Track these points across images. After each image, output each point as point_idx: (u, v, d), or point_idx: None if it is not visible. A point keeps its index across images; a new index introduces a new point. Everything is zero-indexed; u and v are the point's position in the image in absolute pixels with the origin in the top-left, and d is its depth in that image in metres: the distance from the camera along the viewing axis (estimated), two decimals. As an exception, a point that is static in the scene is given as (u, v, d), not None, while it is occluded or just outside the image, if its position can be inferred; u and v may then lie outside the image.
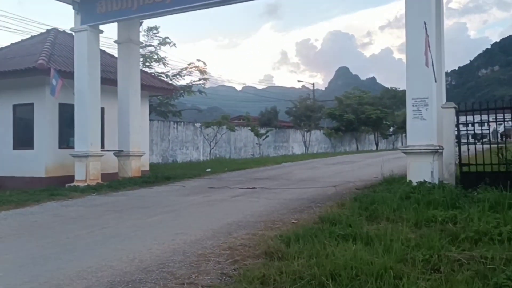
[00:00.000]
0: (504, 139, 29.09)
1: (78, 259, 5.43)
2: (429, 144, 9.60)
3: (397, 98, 47.23)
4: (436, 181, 9.48)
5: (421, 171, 9.61)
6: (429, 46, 9.25)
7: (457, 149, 10.11)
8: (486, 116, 9.97)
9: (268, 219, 7.64)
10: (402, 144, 61.79)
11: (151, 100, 20.36)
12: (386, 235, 5.42)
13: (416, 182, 9.47)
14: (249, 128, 30.87)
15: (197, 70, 22.91)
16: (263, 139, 32.06)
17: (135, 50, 16.46)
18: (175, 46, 22.86)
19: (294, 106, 40.73)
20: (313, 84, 55.11)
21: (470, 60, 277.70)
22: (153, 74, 21.36)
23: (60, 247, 6.12)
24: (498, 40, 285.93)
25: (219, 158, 27.94)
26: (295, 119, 39.60)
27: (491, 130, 12.50)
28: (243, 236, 6.29)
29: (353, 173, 16.56)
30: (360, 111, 44.40)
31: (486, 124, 10.16)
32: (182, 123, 26.33)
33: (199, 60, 22.56)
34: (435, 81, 9.90)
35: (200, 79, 22.63)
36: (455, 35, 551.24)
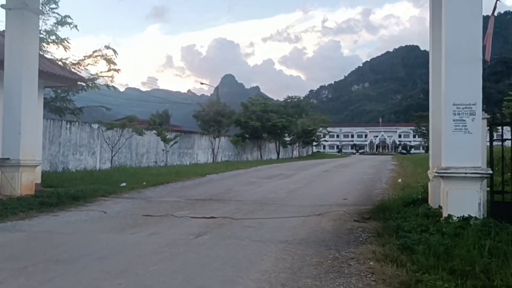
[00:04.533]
0: None
1: None
2: (476, 166, 7.18)
3: (300, 107, 46.42)
4: (482, 216, 7.11)
5: (464, 202, 7.12)
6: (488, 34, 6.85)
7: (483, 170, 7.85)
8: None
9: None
10: (298, 154, 62.04)
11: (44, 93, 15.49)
12: None
13: (457, 218, 7.02)
14: (155, 132, 26.72)
15: (104, 59, 18.28)
16: (171, 145, 28.13)
17: (33, 20, 11.78)
18: (77, 29, 18.00)
19: (202, 110, 37.16)
20: (217, 87, 51.96)
21: (344, 76, 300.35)
22: (52, 60, 16.42)
23: None
24: (368, 60, 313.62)
25: (120, 166, 23.42)
26: (203, 124, 36.14)
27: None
28: None
29: (309, 191, 13.92)
30: (265, 119, 42.48)
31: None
32: (77, 123, 21.35)
33: (107, 47, 17.99)
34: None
35: (109, 70, 17.98)
36: (331, 52, 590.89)
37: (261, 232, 7.74)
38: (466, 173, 7.12)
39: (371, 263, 5.68)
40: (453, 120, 7.29)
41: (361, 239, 7.16)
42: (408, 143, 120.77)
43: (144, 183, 15.09)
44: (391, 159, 48.71)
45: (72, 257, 6.05)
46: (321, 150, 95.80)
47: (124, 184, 14.46)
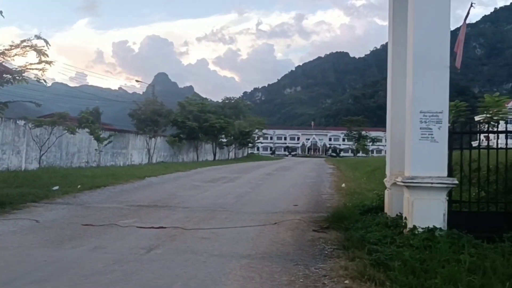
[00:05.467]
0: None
1: None
2: (441, 176, 7.05)
3: (238, 109, 45.98)
4: (446, 227, 7.00)
5: (430, 213, 6.93)
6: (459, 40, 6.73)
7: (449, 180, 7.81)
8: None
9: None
10: (234, 156, 61.63)
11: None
12: None
13: (423, 229, 6.86)
14: (88, 130, 25.02)
15: (34, 50, 16.46)
16: (105, 145, 26.51)
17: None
18: (2, 16, 16.10)
19: (138, 108, 35.46)
20: (153, 86, 50.14)
21: (277, 79, 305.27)
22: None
23: None
24: (300, 64, 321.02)
25: (49, 166, 21.59)
26: (139, 123, 34.51)
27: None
28: None
29: (258, 196, 13.46)
30: (202, 119, 41.54)
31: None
32: (0, 119, 19.37)
33: (38, 37, 16.19)
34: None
35: (40, 62, 16.14)
36: (265, 55, 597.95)
37: (218, 245, 7.14)
38: (432, 183, 6.96)
39: (346, 281, 5.31)
40: (420, 128, 7.10)
41: (326, 252, 6.78)
42: (338, 146, 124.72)
43: (79, 186, 13.87)
44: (324, 162, 49.74)
45: (0, 281, 5.13)
46: (255, 151, 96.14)
47: (56, 187, 13.17)
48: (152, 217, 9.48)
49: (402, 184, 7.20)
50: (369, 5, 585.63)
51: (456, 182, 7.03)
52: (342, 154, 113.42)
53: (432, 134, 7.09)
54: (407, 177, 7.17)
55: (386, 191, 9.27)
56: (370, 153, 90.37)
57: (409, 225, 7.08)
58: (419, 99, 7.15)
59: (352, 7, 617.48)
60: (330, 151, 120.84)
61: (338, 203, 12.04)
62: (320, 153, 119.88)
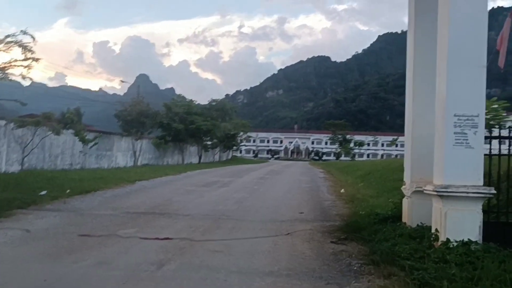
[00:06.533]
0: None
1: None
2: (478, 185, 6.54)
3: (224, 111, 45.22)
4: (481, 241, 6.49)
5: (465, 225, 6.41)
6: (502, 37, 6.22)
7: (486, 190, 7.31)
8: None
9: None
10: (219, 158, 60.75)
11: None
12: None
13: (457, 242, 6.34)
14: (72, 132, 23.98)
15: (20, 46, 15.39)
16: (91, 147, 25.50)
17: None
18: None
19: (124, 109, 34.34)
20: (138, 86, 48.97)
21: (260, 82, 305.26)
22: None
23: None
24: (283, 67, 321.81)
25: (32, 168, 20.54)
26: (125, 124, 33.43)
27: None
28: None
29: (259, 203, 12.81)
30: (189, 121, 40.65)
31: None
32: (-21, 119, 18.32)
33: (24, 33, 15.10)
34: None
35: (26, 59, 15.02)
36: (247, 58, 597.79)
37: (234, 259, 6.48)
38: (468, 192, 6.44)
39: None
40: (454, 133, 6.57)
41: (354, 267, 6.20)
42: (320, 149, 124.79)
43: (68, 190, 13.00)
44: (310, 166, 49.40)
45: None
46: (238, 154, 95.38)
47: (44, 192, 12.29)
48: (153, 226, 8.77)
49: (435, 193, 6.64)
50: (350, 10, 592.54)
51: (494, 191, 6.50)
52: (324, 157, 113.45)
53: (467, 140, 6.56)
54: (440, 185, 6.61)
55: (405, 199, 8.73)
56: (354, 157, 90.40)
57: (442, 238, 6.53)
58: (453, 102, 6.62)
59: (333, 11, 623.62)
60: (312, 155, 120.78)
61: (344, 211, 11.52)
62: (303, 156, 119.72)
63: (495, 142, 7.49)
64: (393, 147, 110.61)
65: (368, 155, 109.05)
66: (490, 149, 7.28)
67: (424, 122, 8.27)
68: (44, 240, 7.30)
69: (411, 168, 8.59)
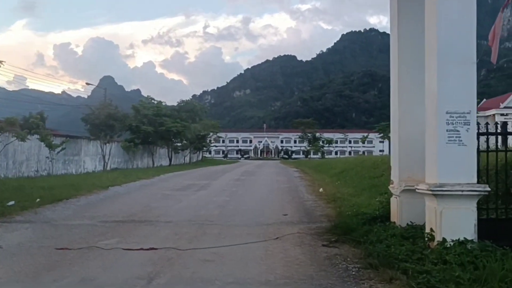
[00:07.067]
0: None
1: None
2: (472, 183, 6.45)
3: (194, 112, 44.57)
4: (477, 239, 6.41)
5: (460, 224, 6.31)
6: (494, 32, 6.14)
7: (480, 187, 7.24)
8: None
9: None
10: (190, 160, 59.97)
11: None
12: None
13: (453, 241, 6.24)
14: (38, 137, 22.99)
15: None
16: (58, 152, 24.52)
17: None
18: None
19: (92, 112, 33.26)
20: (105, 88, 47.64)
21: (227, 82, 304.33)
22: None
23: None
24: (249, 67, 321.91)
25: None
26: (93, 128, 32.37)
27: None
28: None
29: (241, 206, 12.51)
30: (158, 123, 39.86)
31: None
32: None
33: None
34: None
35: None
36: (213, 58, 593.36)
37: (227, 269, 6.16)
38: (462, 190, 6.34)
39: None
40: (447, 131, 6.47)
41: (352, 272, 5.99)
42: (289, 148, 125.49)
43: (38, 200, 12.31)
44: (282, 165, 49.50)
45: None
46: (208, 155, 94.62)
47: (12, 202, 11.58)
48: (136, 236, 8.33)
49: (430, 192, 6.51)
50: (314, 9, 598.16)
51: (489, 189, 6.44)
52: (294, 156, 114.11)
53: (460, 137, 6.46)
54: (434, 184, 6.48)
55: (393, 199, 8.61)
56: (324, 154, 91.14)
57: (438, 238, 6.41)
58: (445, 99, 6.50)
59: (297, 11, 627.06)
60: (282, 153, 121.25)
61: (328, 211, 11.38)
62: (273, 155, 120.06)
63: (482, 139, 7.47)
64: (360, 144, 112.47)
65: (336, 153, 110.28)
66: (487, 145, 7.23)
67: (411, 120, 8.18)
68: (18, 257, 6.77)
69: (399, 166, 8.46)
